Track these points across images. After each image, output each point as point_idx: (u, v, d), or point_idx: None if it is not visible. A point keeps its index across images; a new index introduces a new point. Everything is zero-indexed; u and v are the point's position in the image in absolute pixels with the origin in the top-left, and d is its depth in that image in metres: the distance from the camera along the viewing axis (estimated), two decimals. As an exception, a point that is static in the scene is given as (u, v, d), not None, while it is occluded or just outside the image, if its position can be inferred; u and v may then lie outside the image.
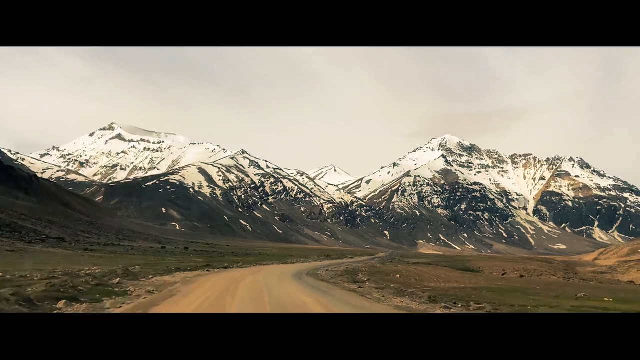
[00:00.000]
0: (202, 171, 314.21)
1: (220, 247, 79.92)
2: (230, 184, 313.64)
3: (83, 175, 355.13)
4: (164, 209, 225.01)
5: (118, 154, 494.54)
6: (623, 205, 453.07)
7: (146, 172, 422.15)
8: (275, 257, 49.57)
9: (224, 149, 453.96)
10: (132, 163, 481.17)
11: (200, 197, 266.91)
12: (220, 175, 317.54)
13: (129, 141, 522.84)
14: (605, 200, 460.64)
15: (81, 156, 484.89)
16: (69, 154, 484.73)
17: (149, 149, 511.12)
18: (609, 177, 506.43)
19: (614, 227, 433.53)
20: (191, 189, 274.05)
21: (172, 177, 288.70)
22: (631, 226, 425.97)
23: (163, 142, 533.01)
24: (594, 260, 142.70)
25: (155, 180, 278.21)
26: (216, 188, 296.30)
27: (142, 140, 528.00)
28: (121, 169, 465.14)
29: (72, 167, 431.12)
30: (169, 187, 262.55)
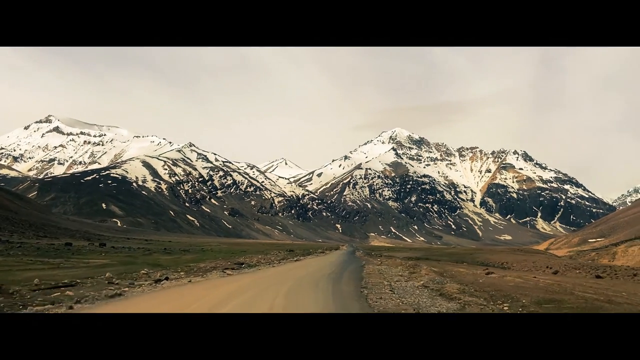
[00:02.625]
0: (147, 164, 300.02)
1: (159, 243, 72.35)
2: (176, 177, 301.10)
3: (16, 170, 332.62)
4: (104, 205, 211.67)
5: (55, 147, 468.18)
6: (564, 197, 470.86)
7: (86, 167, 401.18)
8: (223, 254, 41.20)
9: (170, 142, 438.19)
10: (71, 157, 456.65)
11: (144, 192, 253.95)
12: (166, 169, 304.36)
13: (68, 134, 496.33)
14: (548, 191, 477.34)
15: (15, 150, 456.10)
16: (2, 148, 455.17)
17: (89, 143, 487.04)
18: (551, 170, 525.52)
19: (556, 218, 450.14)
20: (134, 184, 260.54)
21: (113, 171, 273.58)
22: (572, 217, 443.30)
23: (105, 135, 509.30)
24: (546, 250, 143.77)
25: (95, 175, 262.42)
26: (161, 182, 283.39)
27: (81, 133, 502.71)
28: (59, 163, 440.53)
29: (5, 161, 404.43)
30: (110, 182, 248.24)
